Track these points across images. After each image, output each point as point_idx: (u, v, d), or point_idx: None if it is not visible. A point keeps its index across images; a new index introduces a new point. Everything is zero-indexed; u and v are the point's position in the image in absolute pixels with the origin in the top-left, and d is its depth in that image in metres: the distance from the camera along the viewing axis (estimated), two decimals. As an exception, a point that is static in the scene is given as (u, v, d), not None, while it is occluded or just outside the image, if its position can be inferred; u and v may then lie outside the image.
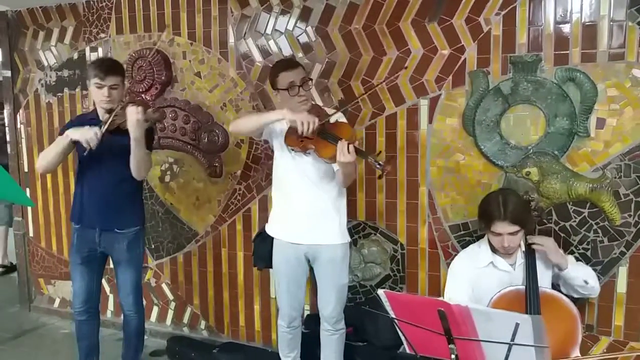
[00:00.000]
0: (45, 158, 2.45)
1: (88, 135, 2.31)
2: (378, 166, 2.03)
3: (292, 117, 2.17)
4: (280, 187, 2.44)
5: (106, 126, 2.34)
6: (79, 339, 2.73)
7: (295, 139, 2.22)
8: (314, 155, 2.28)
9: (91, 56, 3.39)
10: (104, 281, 3.42)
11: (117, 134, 2.36)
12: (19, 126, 3.72)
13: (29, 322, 3.74)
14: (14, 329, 3.62)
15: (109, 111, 2.39)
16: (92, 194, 2.52)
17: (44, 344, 3.40)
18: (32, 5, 3.51)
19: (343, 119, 2.39)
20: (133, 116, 2.28)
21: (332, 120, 2.30)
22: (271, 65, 2.87)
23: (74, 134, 2.36)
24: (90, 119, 2.51)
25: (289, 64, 2.37)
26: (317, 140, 2.20)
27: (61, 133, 2.51)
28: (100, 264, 2.66)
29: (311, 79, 2.44)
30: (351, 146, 2.06)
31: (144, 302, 3.45)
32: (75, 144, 2.40)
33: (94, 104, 2.56)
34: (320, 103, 2.72)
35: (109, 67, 2.43)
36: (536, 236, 2.20)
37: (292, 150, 2.30)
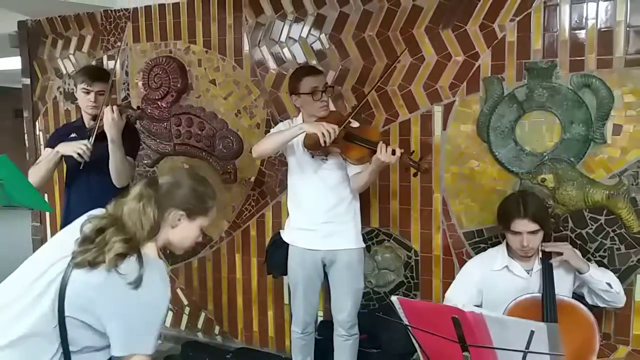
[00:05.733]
0: (37, 174, 2.43)
1: (79, 149, 2.31)
2: (413, 163, 2.13)
3: (311, 129, 2.20)
4: (296, 195, 2.46)
5: (95, 134, 2.36)
6: None
7: (317, 144, 2.23)
8: (335, 159, 2.31)
9: (109, 64, 3.45)
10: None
11: (101, 142, 2.35)
12: (37, 133, 3.79)
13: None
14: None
15: (94, 118, 2.42)
16: (80, 203, 2.42)
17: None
18: (51, 14, 3.59)
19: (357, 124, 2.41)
20: (108, 115, 2.29)
21: (354, 125, 2.35)
22: (286, 73, 2.92)
23: (65, 149, 2.37)
24: (76, 126, 2.55)
25: (312, 69, 2.44)
26: (343, 143, 2.24)
27: (49, 143, 2.53)
28: None
29: (333, 87, 2.52)
30: (397, 149, 2.13)
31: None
32: (65, 156, 2.43)
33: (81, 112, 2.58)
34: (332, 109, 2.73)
35: (96, 73, 2.47)
36: (553, 243, 2.18)
37: (312, 154, 2.31)
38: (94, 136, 2.36)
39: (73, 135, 2.51)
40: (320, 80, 2.35)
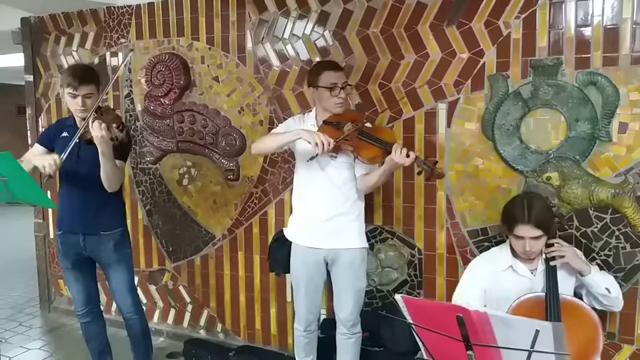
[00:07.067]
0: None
1: (46, 162, 2.24)
2: (426, 167, 2.12)
3: (307, 137, 2.20)
4: (302, 192, 2.45)
5: (77, 139, 2.29)
6: (88, 341, 2.75)
7: (331, 136, 2.22)
8: (345, 157, 2.31)
9: (112, 61, 3.44)
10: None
11: (90, 144, 2.31)
12: (40, 130, 3.78)
13: (49, 323, 3.80)
14: (34, 330, 3.68)
15: (84, 119, 2.36)
16: (71, 200, 2.47)
17: (64, 344, 3.45)
18: (54, 11, 3.58)
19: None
20: (97, 132, 2.20)
21: (368, 125, 2.35)
22: (289, 70, 2.91)
23: (37, 162, 2.30)
24: (68, 125, 2.52)
25: (333, 64, 2.43)
26: (356, 141, 2.24)
27: (41, 140, 2.54)
28: (91, 265, 2.64)
29: (351, 85, 2.52)
30: (412, 152, 2.12)
31: (162, 305, 3.50)
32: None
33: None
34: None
35: (82, 76, 2.34)
36: (557, 241, 2.17)
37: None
38: (72, 144, 2.28)
39: (65, 134, 2.48)
40: (340, 76, 2.34)
